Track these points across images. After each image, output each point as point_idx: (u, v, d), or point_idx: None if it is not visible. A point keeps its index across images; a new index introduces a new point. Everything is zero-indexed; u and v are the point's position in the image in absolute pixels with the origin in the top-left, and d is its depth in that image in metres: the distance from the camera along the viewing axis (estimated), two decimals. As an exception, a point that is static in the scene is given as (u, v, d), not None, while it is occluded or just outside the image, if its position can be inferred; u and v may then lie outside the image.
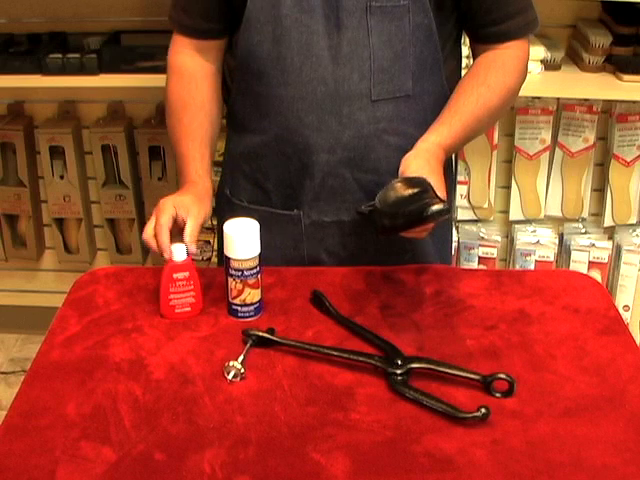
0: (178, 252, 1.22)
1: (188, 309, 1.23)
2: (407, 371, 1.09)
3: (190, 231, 1.23)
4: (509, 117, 2.30)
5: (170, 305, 1.23)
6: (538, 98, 2.26)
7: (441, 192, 1.15)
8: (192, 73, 1.40)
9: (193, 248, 1.22)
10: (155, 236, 1.22)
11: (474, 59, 1.38)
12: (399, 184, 1.16)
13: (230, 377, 1.10)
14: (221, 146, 1.51)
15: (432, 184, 1.14)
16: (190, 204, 1.26)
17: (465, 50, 1.45)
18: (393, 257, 1.37)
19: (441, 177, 1.21)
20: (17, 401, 1.07)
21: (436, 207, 1.08)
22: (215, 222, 1.47)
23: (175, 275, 1.22)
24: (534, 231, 2.40)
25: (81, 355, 1.15)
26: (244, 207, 1.42)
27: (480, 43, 1.36)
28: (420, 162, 1.21)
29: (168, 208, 1.24)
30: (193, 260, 1.24)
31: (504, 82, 1.33)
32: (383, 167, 1.33)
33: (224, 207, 1.48)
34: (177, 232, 1.24)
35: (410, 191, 1.13)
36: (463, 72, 1.41)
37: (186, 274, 1.22)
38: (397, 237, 1.16)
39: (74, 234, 2.51)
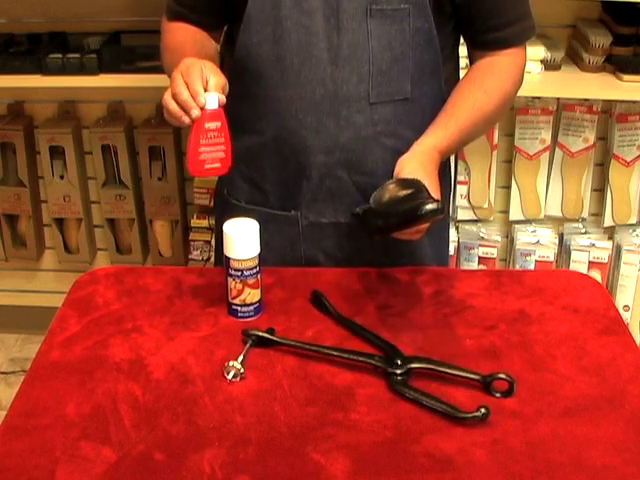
0: (211, 100, 1.14)
1: (218, 165, 1.16)
2: (407, 371, 1.09)
3: (216, 82, 1.16)
4: (509, 117, 2.30)
5: (200, 160, 1.15)
6: (538, 98, 2.26)
7: (435, 194, 1.15)
8: (187, 25, 1.39)
9: (223, 97, 1.15)
10: (186, 84, 1.14)
11: (471, 64, 1.38)
12: (393, 185, 1.16)
13: (230, 377, 1.10)
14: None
15: (426, 186, 1.14)
16: (211, 65, 1.19)
17: (462, 50, 1.45)
18: (390, 258, 1.37)
19: (436, 179, 1.21)
20: (17, 401, 1.07)
21: (430, 206, 1.08)
22: (213, 222, 1.46)
23: (207, 125, 1.14)
24: (534, 231, 2.40)
25: (81, 355, 1.15)
26: (242, 207, 1.41)
27: (478, 49, 1.36)
28: (415, 164, 1.22)
29: (195, 62, 1.17)
30: (224, 112, 1.16)
31: (501, 87, 1.33)
32: (380, 170, 1.33)
33: (222, 207, 1.48)
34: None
35: (404, 192, 1.14)
36: (461, 73, 1.42)
37: (218, 124, 1.15)
38: (393, 239, 1.16)
39: (74, 234, 2.51)
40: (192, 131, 1.15)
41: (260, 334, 1.16)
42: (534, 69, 2.10)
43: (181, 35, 1.38)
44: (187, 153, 1.16)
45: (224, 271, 1.22)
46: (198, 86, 1.14)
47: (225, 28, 1.42)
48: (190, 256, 2.42)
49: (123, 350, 1.16)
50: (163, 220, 2.45)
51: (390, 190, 1.16)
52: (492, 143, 2.32)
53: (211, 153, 1.16)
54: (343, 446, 0.98)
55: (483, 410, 1.01)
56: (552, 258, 2.37)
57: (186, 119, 1.15)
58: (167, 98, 1.16)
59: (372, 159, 1.34)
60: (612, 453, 0.97)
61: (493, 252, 2.39)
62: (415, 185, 1.15)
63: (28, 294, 2.67)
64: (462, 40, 1.41)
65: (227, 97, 1.41)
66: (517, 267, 2.37)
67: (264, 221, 1.23)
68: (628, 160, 2.32)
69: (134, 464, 0.96)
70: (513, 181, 2.38)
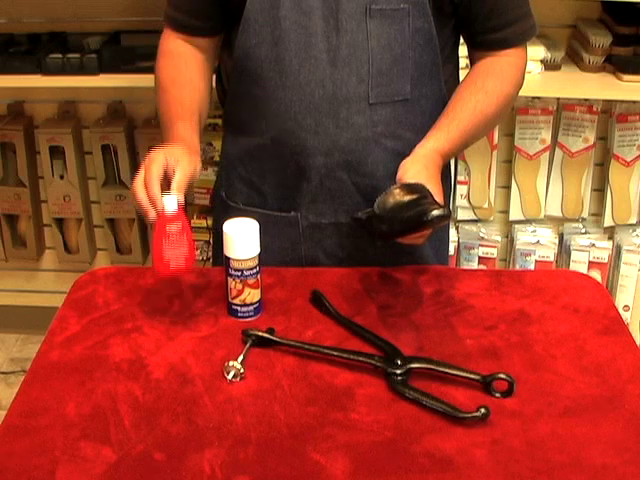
0: (169, 203, 1.16)
1: (182, 263, 1.17)
2: (407, 371, 1.09)
3: (179, 180, 1.19)
4: (509, 117, 2.30)
5: (165, 262, 1.16)
6: (538, 98, 2.26)
7: (439, 198, 1.15)
8: (181, 54, 1.39)
9: (182, 198, 1.18)
10: (145, 186, 1.17)
11: (471, 65, 1.38)
12: (397, 190, 1.16)
13: (230, 377, 1.10)
14: (219, 147, 1.51)
15: (430, 190, 1.14)
16: (180, 155, 1.22)
17: (462, 50, 1.45)
18: (391, 258, 1.37)
19: (439, 183, 1.21)
20: (17, 401, 1.07)
21: (436, 212, 1.08)
22: (211, 223, 1.46)
23: (168, 227, 1.16)
24: (534, 231, 2.40)
25: (81, 355, 1.15)
26: (240, 209, 1.41)
27: (478, 50, 1.36)
28: (418, 168, 1.22)
29: (159, 158, 1.19)
30: (184, 211, 1.19)
31: (501, 89, 1.33)
32: (380, 171, 1.33)
33: (220, 209, 1.48)
34: (167, 185, 1.19)
35: (409, 197, 1.14)
36: (461, 73, 1.42)
37: (179, 225, 1.16)
38: (395, 242, 1.16)
39: (74, 234, 2.51)
40: (154, 232, 1.17)
41: (260, 334, 1.16)
42: (534, 69, 2.10)
43: (171, 72, 1.38)
44: (152, 253, 1.18)
45: (224, 271, 1.22)
46: (156, 190, 1.16)
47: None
48: (190, 256, 2.42)
49: (123, 350, 1.16)
50: (163, 220, 2.45)
51: (394, 195, 1.15)
52: (492, 143, 2.32)
53: (175, 252, 1.17)
54: (343, 446, 0.98)
55: (483, 410, 1.01)
56: (552, 258, 2.37)
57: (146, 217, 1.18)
58: (132, 191, 1.19)
59: (372, 160, 1.34)
60: (612, 453, 0.97)
61: (493, 252, 2.39)
62: (419, 190, 1.15)
63: (28, 294, 2.67)
64: (462, 40, 1.41)
65: (227, 97, 1.42)
66: (517, 267, 2.37)
67: (263, 223, 1.23)
68: (628, 160, 2.32)
69: (134, 464, 0.96)
70: (513, 181, 2.38)
